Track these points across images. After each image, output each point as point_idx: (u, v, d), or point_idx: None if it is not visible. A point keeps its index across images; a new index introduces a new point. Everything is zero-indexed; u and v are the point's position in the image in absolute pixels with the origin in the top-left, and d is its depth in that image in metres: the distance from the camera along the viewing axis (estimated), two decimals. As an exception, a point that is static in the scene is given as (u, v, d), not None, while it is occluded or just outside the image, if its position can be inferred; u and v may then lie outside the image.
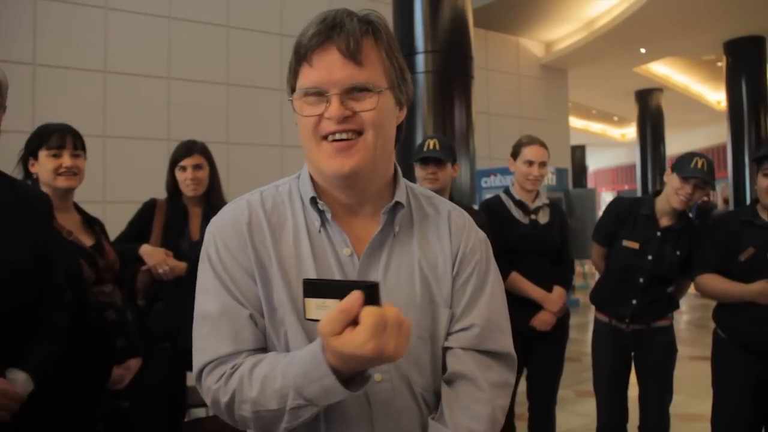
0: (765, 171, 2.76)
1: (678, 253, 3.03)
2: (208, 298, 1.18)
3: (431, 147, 3.02)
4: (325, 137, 1.15)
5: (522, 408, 3.40)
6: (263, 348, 1.17)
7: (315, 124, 1.15)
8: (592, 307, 3.35)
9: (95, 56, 6.68)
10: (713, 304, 3.00)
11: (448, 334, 1.24)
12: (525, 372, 3.37)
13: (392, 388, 1.16)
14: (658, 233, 3.04)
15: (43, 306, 1.98)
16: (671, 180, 2.99)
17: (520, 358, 3.45)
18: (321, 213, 1.21)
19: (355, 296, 0.95)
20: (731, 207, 10.71)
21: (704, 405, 3.05)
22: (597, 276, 3.42)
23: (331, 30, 1.12)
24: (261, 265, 1.18)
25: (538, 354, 3.28)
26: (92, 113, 6.57)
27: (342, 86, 1.12)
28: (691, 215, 3.21)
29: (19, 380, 1.82)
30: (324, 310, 1.00)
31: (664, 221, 3.06)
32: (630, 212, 3.14)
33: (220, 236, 1.21)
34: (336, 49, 1.12)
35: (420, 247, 1.25)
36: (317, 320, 1.00)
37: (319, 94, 1.13)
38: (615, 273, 3.15)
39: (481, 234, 1.35)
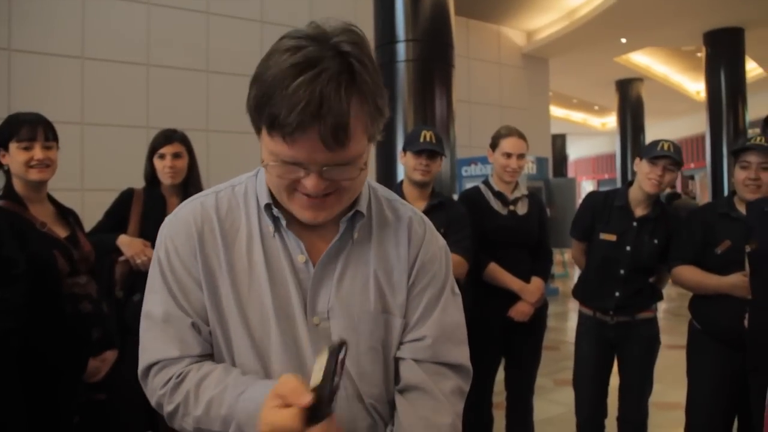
0: (742, 164, 2.79)
1: (656, 241, 3.04)
2: (155, 301, 1.17)
3: (428, 139, 3.01)
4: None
5: (500, 397, 3.42)
6: (209, 354, 1.17)
7: (290, 182, 1.08)
8: (571, 296, 3.37)
9: (73, 42, 6.59)
10: (691, 294, 3.02)
11: (400, 343, 1.22)
12: (503, 361, 3.39)
13: (345, 396, 1.15)
14: (634, 223, 3.06)
15: None
16: (641, 167, 3.02)
17: (498, 348, 3.47)
18: (275, 219, 1.18)
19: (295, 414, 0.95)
20: (698, 196, 10.76)
21: (680, 393, 3.08)
22: (576, 266, 3.43)
23: (317, 113, 0.96)
24: (210, 273, 1.16)
25: (515, 344, 3.29)
26: (70, 100, 6.49)
27: (324, 164, 1.03)
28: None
29: None
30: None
31: (639, 211, 3.08)
32: (605, 205, 3.16)
33: (171, 240, 1.18)
34: (318, 136, 0.98)
35: (376, 255, 1.22)
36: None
37: (296, 164, 1.04)
38: (595, 267, 3.16)
39: (441, 242, 1.31)
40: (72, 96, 6.54)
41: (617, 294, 3.05)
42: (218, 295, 1.15)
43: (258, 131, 1.07)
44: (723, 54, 11.56)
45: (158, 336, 1.16)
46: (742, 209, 2.80)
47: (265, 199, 1.17)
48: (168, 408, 1.14)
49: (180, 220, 1.19)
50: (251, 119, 1.06)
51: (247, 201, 1.21)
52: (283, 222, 1.17)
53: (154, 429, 2.94)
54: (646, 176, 2.98)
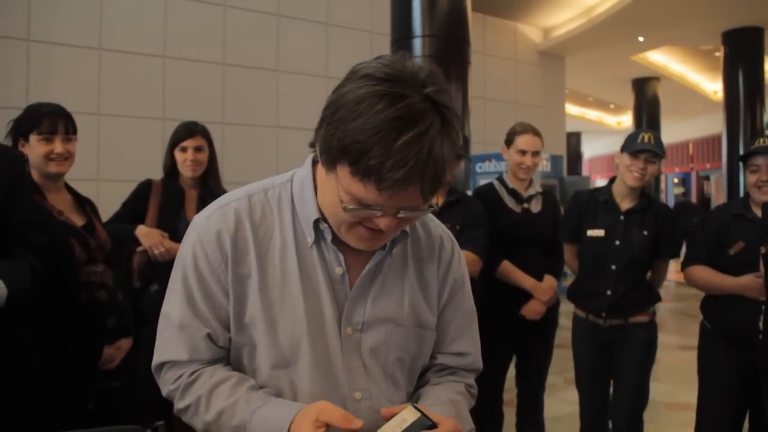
0: (752, 168, 2.79)
1: (645, 233, 2.99)
2: (173, 302, 1.20)
3: None
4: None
5: (510, 394, 3.43)
6: (222, 358, 1.21)
7: (359, 219, 1.08)
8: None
9: (90, 33, 6.62)
10: (702, 294, 3.00)
11: (440, 353, 1.33)
12: (514, 359, 3.39)
13: (371, 405, 1.18)
14: (621, 217, 3.02)
15: (11, 248, 1.91)
16: (622, 159, 2.99)
17: (509, 346, 3.46)
18: (319, 232, 1.18)
19: None
20: (713, 197, 10.64)
21: (691, 394, 3.07)
22: (570, 271, 3.37)
23: (423, 170, 0.98)
24: (239, 282, 1.16)
25: (527, 342, 3.30)
26: (87, 91, 6.53)
27: (403, 208, 1.05)
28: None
29: None
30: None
31: (625, 204, 3.04)
32: (590, 202, 3.12)
33: (201, 244, 1.17)
34: (419, 190, 1.01)
35: (412, 270, 1.26)
36: None
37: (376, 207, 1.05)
38: (586, 265, 3.12)
39: (463, 256, 1.39)
40: (89, 87, 6.58)
41: (609, 292, 2.98)
42: (246, 304, 1.16)
43: (330, 168, 1.05)
44: (741, 54, 11.44)
45: (173, 338, 1.19)
46: (757, 211, 2.79)
47: (314, 214, 1.17)
48: (179, 405, 1.18)
49: (212, 225, 1.18)
50: (325, 156, 1.05)
51: (281, 208, 1.21)
52: (329, 237, 1.17)
53: (166, 418, 2.97)
54: (627, 169, 2.96)
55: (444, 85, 1.04)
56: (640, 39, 12.28)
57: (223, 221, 1.17)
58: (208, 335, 1.17)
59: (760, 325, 2.52)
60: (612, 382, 3.12)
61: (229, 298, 1.16)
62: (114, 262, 2.59)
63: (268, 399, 1.12)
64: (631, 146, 2.94)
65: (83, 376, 2.31)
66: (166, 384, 1.21)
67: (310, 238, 1.18)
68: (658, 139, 2.95)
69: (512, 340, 3.26)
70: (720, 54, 12.12)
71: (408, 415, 1.05)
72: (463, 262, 1.37)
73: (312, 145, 1.13)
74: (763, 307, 2.64)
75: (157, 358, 1.21)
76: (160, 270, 2.82)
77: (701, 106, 18.18)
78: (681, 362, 4.04)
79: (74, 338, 2.24)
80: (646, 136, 2.92)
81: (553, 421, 3.21)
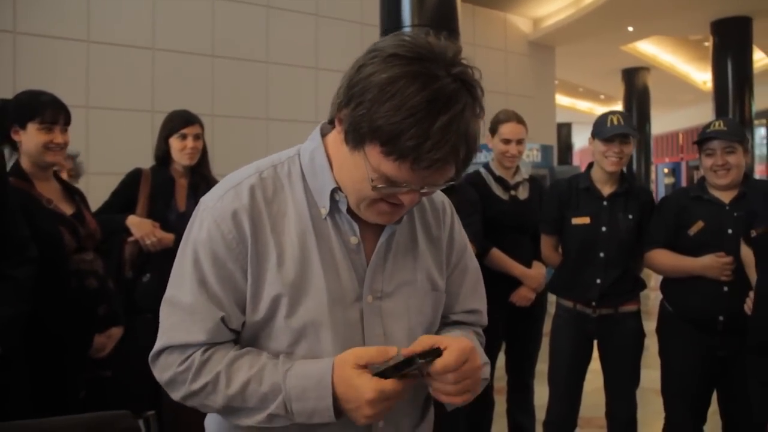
0: (707, 151, 2.81)
1: (630, 216, 2.96)
2: (182, 287, 1.17)
3: None
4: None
5: (500, 382, 3.45)
6: (232, 341, 1.19)
7: (383, 195, 1.10)
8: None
9: (78, 25, 6.58)
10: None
11: (453, 313, 1.36)
12: (504, 346, 3.41)
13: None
14: (605, 202, 2.98)
15: (4, 261, 1.95)
16: (596, 146, 2.97)
17: (499, 333, 3.44)
18: (335, 203, 1.18)
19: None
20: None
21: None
22: (549, 263, 3.27)
23: (459, 149, 1.03)
24: (257, 259, 1.15)
25: (517, 329, 3.31)
26: (75, 83, 6.49)
27: (430, 185, 1.08)
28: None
29: None
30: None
31: (607, 189, 3.00)
32: (570, 190, 3.08)
33: (216, 225, 1.15)
34: (453, 167, 1.06)
35: (422, 238, 1.29)
36: None
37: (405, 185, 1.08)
38: (573, 255, 3.04)
39: (458, 216, 1.42)
40: (77, 79, 6.54)
41: (599, 281, 2.94)
42: (264, 281, 1.15)
43: (357, 147, 1.06)
44: (730, 44, 11.46)
45: (183, 322, 1.15)
46: (714, 193, 2.82)
47: (330, 184, 1.17)
48: (192, 386, 1.13)
49: (227, 206, 1.16)
50: (353, 136, 1.06)
51: (292, 182, 1.20)
52: (344, 207, 1.18)
53: (157, 408, 2.98)
54: (603, 155, 2.93)
55: (469, 61, 1.08)
56: (630, 29, 12.30)
57: (238, 200, 1.16)
58: (222, 318, 1.15)
59: (745, 308, 2.53)
60: (602, 371, 3.09)
61: (248, 276, 1.15)
62: (106, 253, 2.59)
63: (293, 361, 1.13)
64: (602, 132, 2.91)
65: (75, 363, 2.32)
66: (170, 367, 1.16)
67: (324, 209, 1.18)
68: (627, 118, 2.94)
69: (502, 327, 3.27)
70: (709, 44, 12.15)
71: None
72: (461, 222, 1.41)
73: (330, 122, 1.15)
74: (725, 288, 2.68)
75: (164, 341, 1.17)
76: (152, 260, 2.82)
77: (691, 96, 18.25)
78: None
79: (65, 325, 2.24)
80: (614, 118, 2.90)
81: (543, 407, 3.24)
